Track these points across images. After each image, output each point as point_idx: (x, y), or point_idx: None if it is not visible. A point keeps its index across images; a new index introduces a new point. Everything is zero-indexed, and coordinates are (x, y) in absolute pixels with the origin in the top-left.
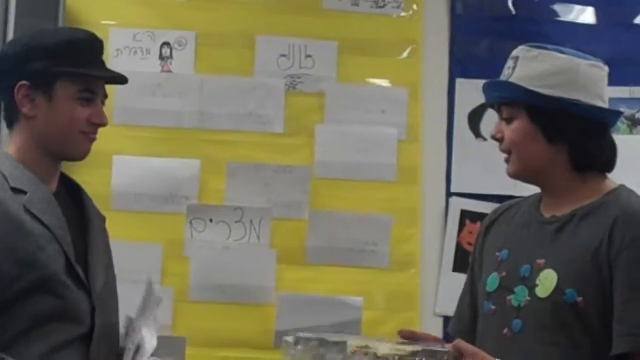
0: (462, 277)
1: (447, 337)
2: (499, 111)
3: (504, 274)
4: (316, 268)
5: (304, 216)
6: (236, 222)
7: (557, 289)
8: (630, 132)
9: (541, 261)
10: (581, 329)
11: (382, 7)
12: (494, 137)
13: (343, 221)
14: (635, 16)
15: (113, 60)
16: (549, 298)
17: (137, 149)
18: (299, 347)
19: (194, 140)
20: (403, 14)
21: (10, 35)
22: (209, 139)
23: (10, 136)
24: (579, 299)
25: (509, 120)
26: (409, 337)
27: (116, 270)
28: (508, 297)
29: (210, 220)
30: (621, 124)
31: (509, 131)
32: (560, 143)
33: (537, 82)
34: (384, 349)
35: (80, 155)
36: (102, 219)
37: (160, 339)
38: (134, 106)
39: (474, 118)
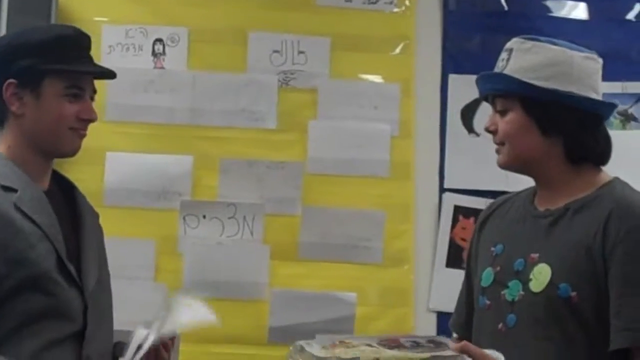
0: (455, 273)
1: (443, 333)
2: (492, 104)
3: (498, 268)
4: (309, 264)
5: (297, 212)
6: (229, 218)
7: (551, 284)
8: (623, 128)
9: (535, 255)
10: (575, 323)
11: (375, 3)
12: (487, 130)
13: (336, 217)
14: (627, 12)
15: (105, 57)
16: (543, 293)
17: (130, 145)
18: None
19: (187, 137)
20: (396, 10)
21: (2, 33)
22: (202, 135)
23: (0, 135)
24: (573, 293)
25: (503, 113)
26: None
27: (109, 267)
28: (502, 292)
29: (204, 217)
30: (614, 119)
31: (503, 123)
32: (555, 135)
33: (532, 74)
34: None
35: (70, 151)
36: (96, 216)
37: None
38: (126, 103)
39: (467, 114)
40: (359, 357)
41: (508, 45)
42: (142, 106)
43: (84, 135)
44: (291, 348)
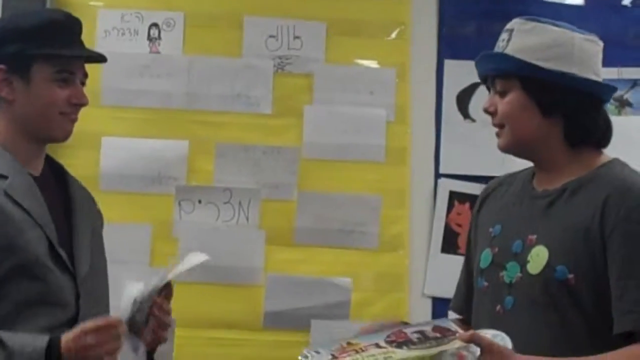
0: (450, 258)
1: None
2: (492, 84)
3: (496, 250)
4: (305, 249)
5: (293, 197)
6: (225, 203)
7: (548, 266)
8: (619, 114)
9: (533, 237)
10: (573, 306)
11: None
12: (486, 111)
13: (332, 202)
14: None
15: (101, 42)
16: (540, 275)
17: (126, 130)
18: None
19: (183, 122)
20: None
21: None
22: (198, 120)
23: None
24: (570, 276)
25: (502, 94)
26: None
27: (105, 252)
28: (500, 274)
29: (199, 202)
30: (610, 105)
31: (503, 104)
32: (555, 117)
33: (532, 54)
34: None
35: (62, 136)
36: (92, 201)
37: None
38: (122, 87)
39: (463, 99)
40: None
41: (509, 25)
42: (137, 91)
43: (75, 120)
44: (300, 358)
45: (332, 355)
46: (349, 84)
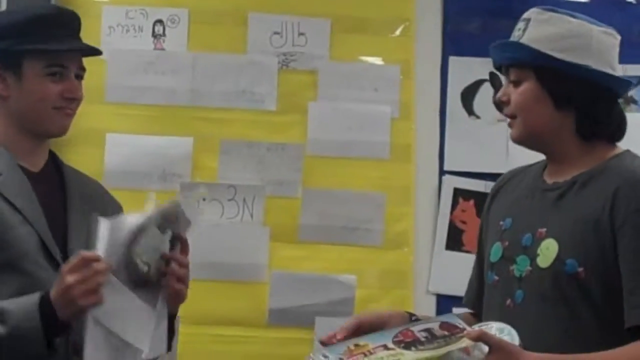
0: (455, 255)
1: (443, 313)
2: (507, 73)
3: (506, 243)
4: (309, 246)
5: (297, 194)
6: (229, 200)
7: (558, 259)
8: (623, 111)
9: (543, 230)
10: (583, 300)
11: None
12: (499, 100)
13: (336, 199)
14: None
15: (105, 38)
16: (550, 268)
17: (130, 127)
18: None
19: (187, 118)
20: None
21: None
22: (202, 116)
23: None
24: (580, 269)
25: (516, 84)
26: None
27: None
28: (510, 267)
29: (204, 198)
30: None
31: (516, 94)
32: (568, 109)
33: (548, 44)
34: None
35: (57, 131)
36: (98, 196)
37: None
38: (126, 84)
39: (467, 96)
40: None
41: (525, 15)
42: (142, 87)
43: (70, 114)
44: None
45: (341, 359)
46: (353, 81)
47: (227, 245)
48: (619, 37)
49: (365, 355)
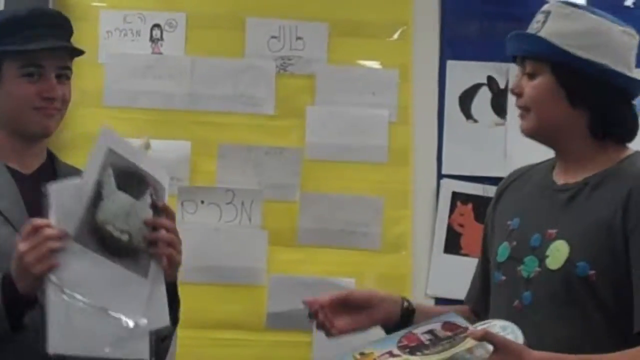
0: (453, 259)
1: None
2: (522, 65)
3: (514, 243)
4: (308, 250)
5: (295, 198)
6: (227, 204)
7: (569, 262)
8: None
9: (553, 231)
10: (593, 303)
11: None
12: (512, 91)
13: (334, 203)
14: None
15: (103, 42)
16: (560, 270)
17: (128, 130)
18: None
19: (185, 122)
20: None
21: None
22: (200, 120)
23: None
24: (591, 272)
25: (531, 76)
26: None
27: None
28: (518, 268)
29: (202, 202)
30: None
31: (530, 87)
32: (582, 107)
33: (567, 40)
34: None
35: (41, 131)
36: None
37: None
38: (124, 88)
39: (465, 100)
40: None
41: (545, 7)
42: (140, 91)
43: (52, 114)
44: None
45: None
46: (351, 85)
47: (226, 249)
48: (637, 38)
49: None
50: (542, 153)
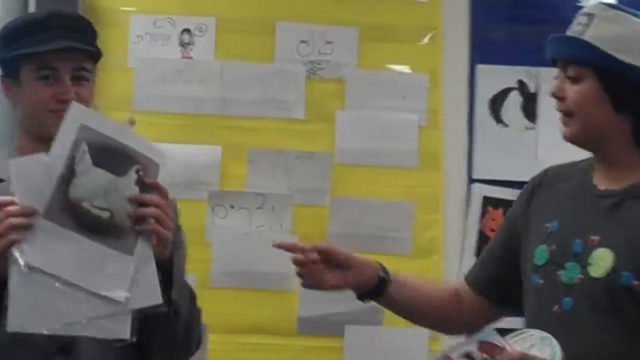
0: None
1: None
2: (563, 68)
3: (553, 247)
4: None
5: (325, 203)
6: (257, 208)
7: (613, 271)
8: None
9: (595, 238)
10: (637, 313)
11: None
12: (553, 95)
13: (364, 207)
14: None
15: (133, 47)
16: (604, 279)
17: (158, 135)
18: None
19: (215, 127)
20: None
21: None
22: (230, 125)
23: None
24: (635, 282)
25: (575, 80)
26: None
27: None
28: (558, 273)
29: (232, 207)
30: None
31: (574, 92)
32: (626, 113)
33: (613, 44)
34: None
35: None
36: None
37: None
38: (154, 93)
39: (495, 104)
40: None
41: (587, 9)
42: (169, 96)
43: None
44: None
45: None
46: (381, 89)
47: (256, 254)
48: None
49: None
50: (573, 157)
